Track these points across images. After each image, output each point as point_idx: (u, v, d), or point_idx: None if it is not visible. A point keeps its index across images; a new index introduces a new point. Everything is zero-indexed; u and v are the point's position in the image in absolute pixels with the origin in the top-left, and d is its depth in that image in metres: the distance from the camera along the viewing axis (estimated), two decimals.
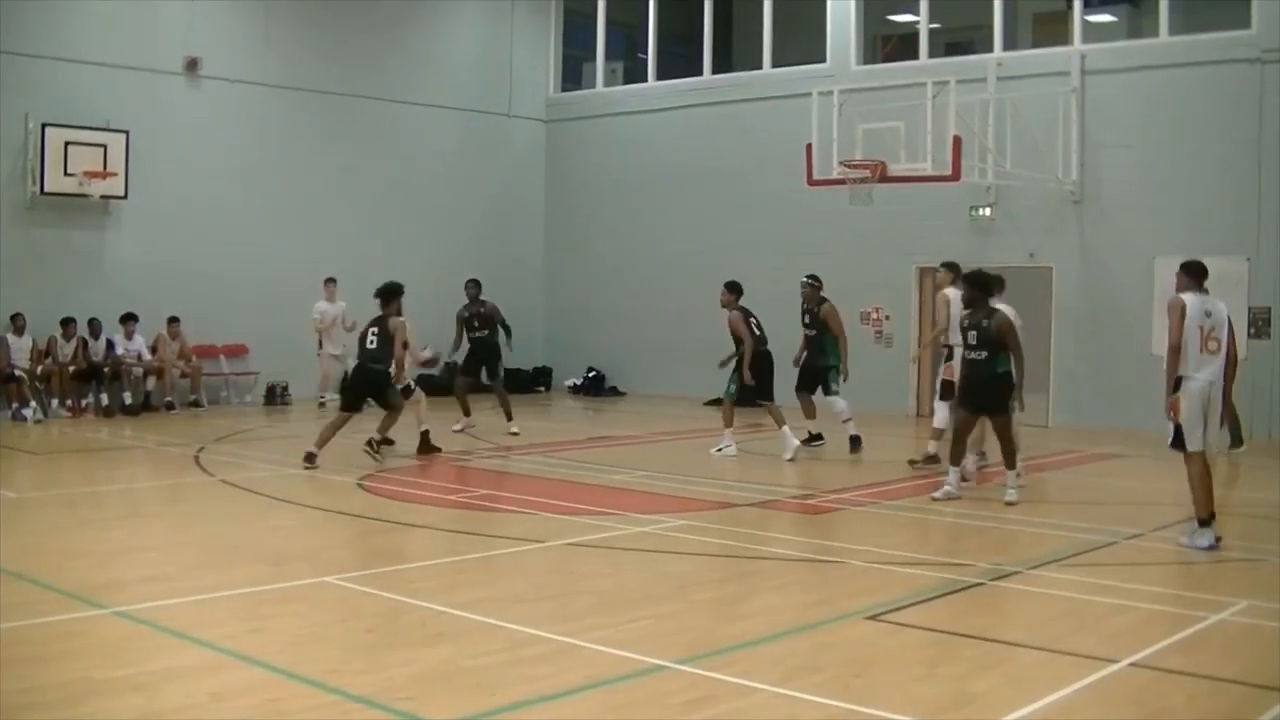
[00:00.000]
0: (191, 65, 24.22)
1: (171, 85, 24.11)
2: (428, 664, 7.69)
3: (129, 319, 22.74)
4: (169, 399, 22.93)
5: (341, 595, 9.44)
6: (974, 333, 14.11)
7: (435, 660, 7.78)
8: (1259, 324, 20.40)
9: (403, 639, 8.31)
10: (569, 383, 28.75)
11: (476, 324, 20.29)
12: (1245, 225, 20.99)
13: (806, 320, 18.23)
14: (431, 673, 7.52)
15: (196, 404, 23.57)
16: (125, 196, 23.03)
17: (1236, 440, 18.58)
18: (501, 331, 20.36)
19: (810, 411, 18.36)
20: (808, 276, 18.33)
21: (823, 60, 25.82)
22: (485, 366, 20.39)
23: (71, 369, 21.90)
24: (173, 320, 23.28)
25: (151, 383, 22.96)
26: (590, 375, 28.10)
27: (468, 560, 10.84)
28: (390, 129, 27.24)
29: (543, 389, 29.17)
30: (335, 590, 9.57)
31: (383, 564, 10.46)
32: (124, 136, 22.88)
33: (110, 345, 22.54)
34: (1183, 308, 12.04)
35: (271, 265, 24.53)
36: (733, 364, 17.80)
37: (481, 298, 20.40)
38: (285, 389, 24.88)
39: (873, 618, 8.99)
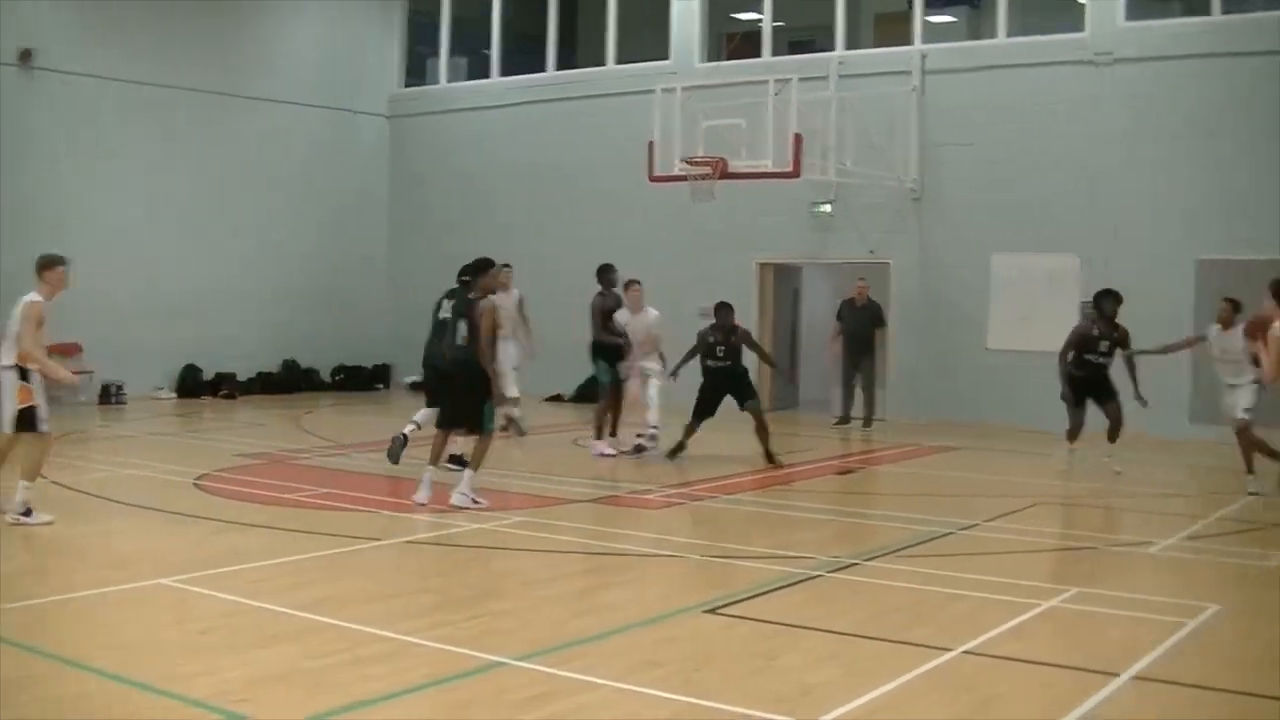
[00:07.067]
0: (25, 57, 23.57)
1: (4, 77, 23.47)
2: (265, 665, 7.58)
3: None
4: None
5: (178, 597, 9.25)
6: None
7: (273, 661, 7.67)
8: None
9: (240, 641, 8.15)
10: (409, 379, 28.52)
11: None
12: (1078, 223, 21.50)
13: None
14: (269, 674, 7.40)
15: None
16: None
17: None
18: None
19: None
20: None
21: (666, 57, 25.92)
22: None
23: None
24: None
25: None
26: None
27: (306, 560, 10.68)
28: (232, 125, 26.69)
29: (382, 386, 28.97)
30: (171, 592, 9.37)
31: (220, 565, 10.25)
32: None
33: None
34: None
35: (107, 263, 23.87)
36: None
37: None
38: (120, 388, 24.36)
39: (712, 611, 9.05)
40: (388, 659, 7.75)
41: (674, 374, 17.28)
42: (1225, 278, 19.68)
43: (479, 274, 13.49)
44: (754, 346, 17.76)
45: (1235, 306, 15.55)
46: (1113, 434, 16.47)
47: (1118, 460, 16.28)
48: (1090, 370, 16.34)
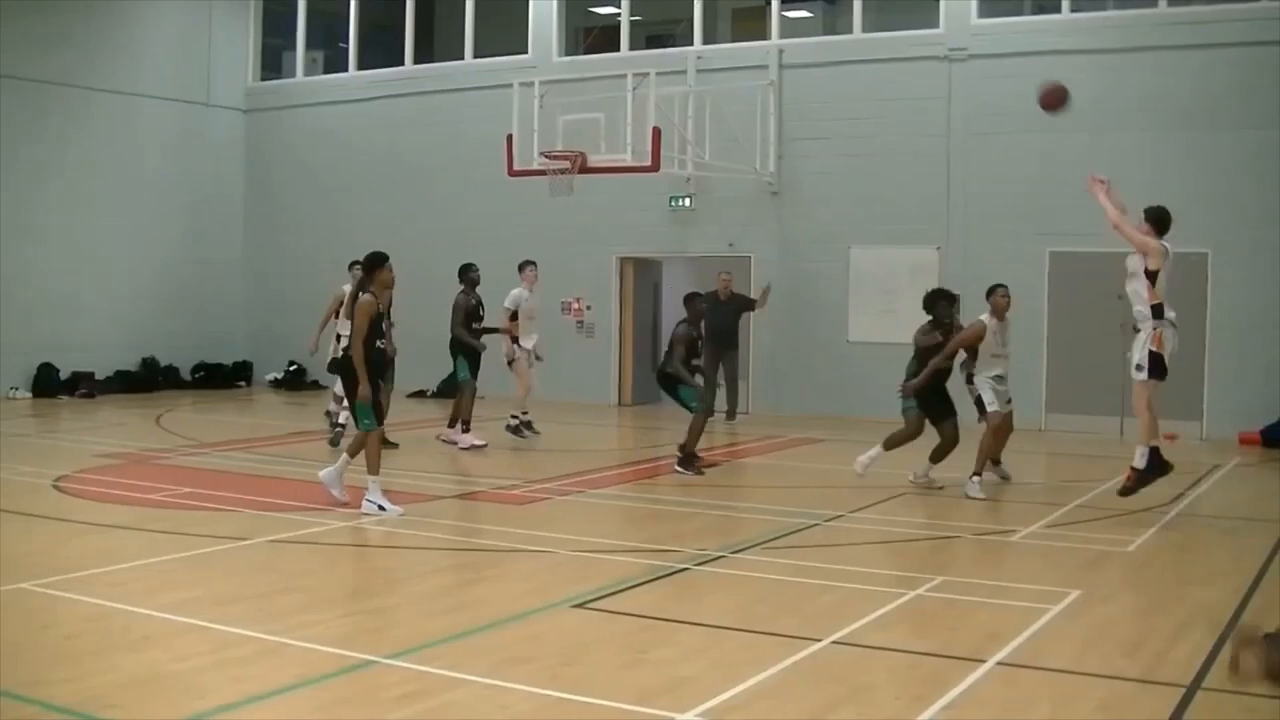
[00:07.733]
0: None
1: None
2: (133, 669, 7.47)
3: None
4: None
5: (41, 602, 9.06)
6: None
7: (141, 665, 7.56)
8: None
9: (106, 645, 8.01)
10: (270, 376, 28.23)
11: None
12: (935, 215, 21.82)
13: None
14: (138, 678, 7.30)
15: None
16: None
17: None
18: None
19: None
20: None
21: (525, 51, 25.85)
22: None
23: None
24: None
25: None
26: (292, 369, 27.61)
27: (171, 561, 10.51)
28: (82, 117, 25.95)
29: (244, 384, 28.57)
30: (34, 597, 9.17)
31: (83, 567, 10.05)
32: None
33: None
34: None
35: None
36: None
37: None
38: None
39: (581, 605, 9.05)
40: (257, 660, 7.68)
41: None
42: (1077, 269, 20.14)
43: (370, 270, 13.10)
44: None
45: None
46: (939, 454, 14.77)
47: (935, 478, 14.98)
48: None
